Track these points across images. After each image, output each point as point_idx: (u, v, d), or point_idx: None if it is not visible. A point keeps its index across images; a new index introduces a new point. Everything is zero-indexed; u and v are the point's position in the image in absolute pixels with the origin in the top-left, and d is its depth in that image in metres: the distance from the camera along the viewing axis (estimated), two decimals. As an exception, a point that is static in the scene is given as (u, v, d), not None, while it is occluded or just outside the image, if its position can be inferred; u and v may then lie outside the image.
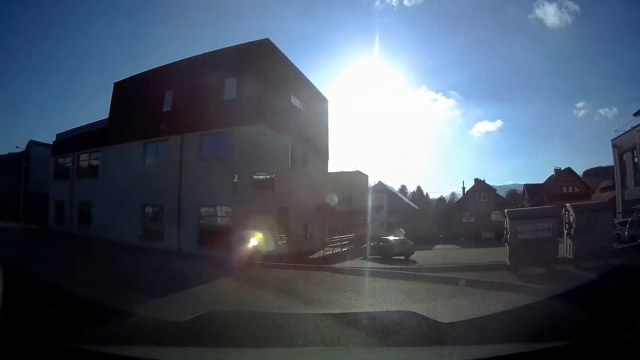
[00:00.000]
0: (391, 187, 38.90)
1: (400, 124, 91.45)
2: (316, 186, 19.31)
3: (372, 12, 74.80)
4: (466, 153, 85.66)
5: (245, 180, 13.79)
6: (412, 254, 15.18)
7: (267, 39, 16.01)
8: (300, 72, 19.16)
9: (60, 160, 23.77)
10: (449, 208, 44.65)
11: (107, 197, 18.04)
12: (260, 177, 13.46)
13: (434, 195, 63.13)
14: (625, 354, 1.72)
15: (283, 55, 17.41)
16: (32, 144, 37.42)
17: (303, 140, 18.25)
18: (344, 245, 16.55)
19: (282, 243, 14.73)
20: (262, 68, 15.25)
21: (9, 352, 1.53)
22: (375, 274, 9.52)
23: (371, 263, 13.30)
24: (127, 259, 10.70)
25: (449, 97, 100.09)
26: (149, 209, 17.07)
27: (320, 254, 15.12)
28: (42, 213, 24.19)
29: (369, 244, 15.97)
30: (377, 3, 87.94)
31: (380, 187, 35.38)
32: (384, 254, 14.57)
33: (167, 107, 17.00)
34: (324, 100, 22.57)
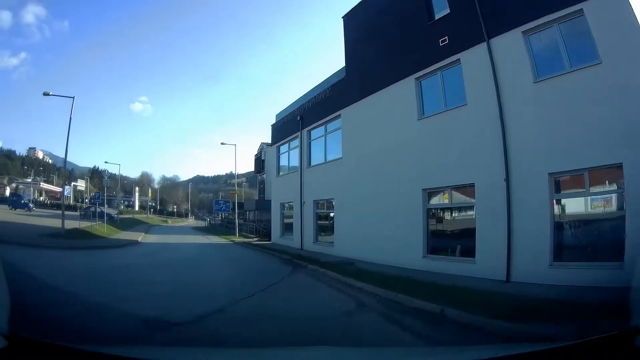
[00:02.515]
0: None
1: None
2: None
3: None
4: None
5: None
6: None
7: None
8: None
9: (284, 147, 25.16)
10: None
11: (358, 188, 16.63)
12: None
13: None
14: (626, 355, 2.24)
15: None
16: (265, 146, 45.46)
17: None
18: None
19: None
20: None
21: (9, 352, 2.09)
22: None
23: None
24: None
25: None
26: (438, 200, 13.47)
27: None
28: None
29: None
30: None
31: None
32: None
33: (440, 11, 13.62)
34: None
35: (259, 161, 50.26)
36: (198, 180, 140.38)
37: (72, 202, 71.04)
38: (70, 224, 23.36)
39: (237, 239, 29.95)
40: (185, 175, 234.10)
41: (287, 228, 24.47)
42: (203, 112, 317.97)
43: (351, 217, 16.81)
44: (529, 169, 10.29)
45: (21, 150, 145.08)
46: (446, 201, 13.10)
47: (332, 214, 19.15)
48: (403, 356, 3.67)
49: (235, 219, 37.28)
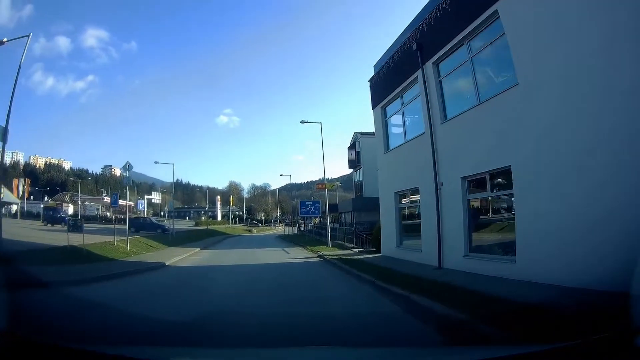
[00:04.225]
0: None
1: None
2: None
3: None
4: None
5: None
6: None
7: None
8: None
9: (393, 106, 18.51)
10: None
11: (571, 138, 8.89)
12: None
13: None
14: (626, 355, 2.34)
15: None
16: (360, 136, 44.95)
17: None
18: None
19: None
20: None
21: (8, 352, 2.21)
22: None
23: None
24: None
25: None
26: None
27: None
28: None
29: None
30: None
31: None
32: None
33: None
34: None
35: (354, 154, 47.14)
36: (290, 188, 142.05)
37: (145, 215, 71.21)
38: (86, 240, 18.38)
39: (329, 251, 22.70)
40: (276, 183, 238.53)
41: (409, 231, 17.04)
42: (292, 117, 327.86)
43: (560, 199, 8.83)
44: None
45: (96, 169, 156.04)
46: None
47: (505, 198, 11.54)
48: (403, 356, 3.83)
49: (326, 223, 30.17)
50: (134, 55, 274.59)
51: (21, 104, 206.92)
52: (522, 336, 5.13)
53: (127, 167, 21.94)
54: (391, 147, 18.49)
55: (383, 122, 18.99)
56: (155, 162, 42.11)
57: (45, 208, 54.34)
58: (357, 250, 22.80)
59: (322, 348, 4.37)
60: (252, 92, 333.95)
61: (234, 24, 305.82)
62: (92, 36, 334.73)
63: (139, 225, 37.45)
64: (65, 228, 36.63)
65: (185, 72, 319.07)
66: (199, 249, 26.21)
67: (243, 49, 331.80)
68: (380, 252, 18.93)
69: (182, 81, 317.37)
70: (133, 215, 54.94)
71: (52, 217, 43.77)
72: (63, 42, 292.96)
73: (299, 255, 22.99)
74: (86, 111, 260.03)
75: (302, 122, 28.24)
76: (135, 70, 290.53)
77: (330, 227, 28.24)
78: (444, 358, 3.73)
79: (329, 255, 20.17)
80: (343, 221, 46.64)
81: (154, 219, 48.24)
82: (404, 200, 17.75)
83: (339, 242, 28.44)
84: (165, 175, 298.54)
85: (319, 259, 20.08)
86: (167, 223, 70.95)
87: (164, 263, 17.32)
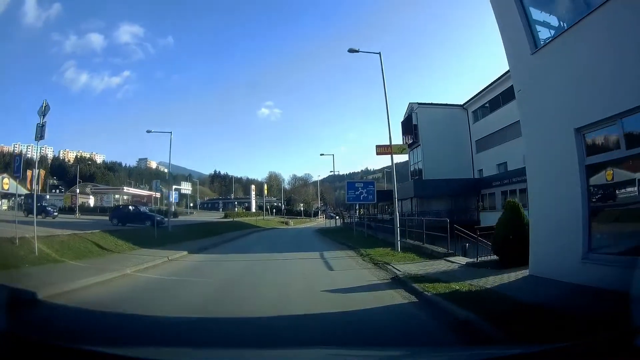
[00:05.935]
0: None
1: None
2: None
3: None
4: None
5: None
6: None
7: None
8: None
9: None
10: None
11: None
12: None
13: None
14: (626, 355, 2.23)
15: None
16: (417, 106, 41.17)
17: None
18: None
19: None
20: None
21: (8, 352, 2.16)
22: None
23: None
24: None
25: None
26: None
27: None
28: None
29: None
30: None
31: None
32: None
33: None
34: None
35: (409, 128, 41.41)
36: (332, 179, 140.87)
37: (175, 207, 66.16)
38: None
39: (406, 263, 12.87)
40: (318, 172, 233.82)
41: (618, 224, 7.82)
42: (334, 107, 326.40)
43: None
44: None
45: (131, 162, 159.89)
46: None
47: None
48: (403, 356, 3.78)
49: (394, 212, 18.64)
50: (171, 50, 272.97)
51: (53, 101, 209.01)
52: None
53: (42, 110, 12.23)
54: (543, 40, 8.80)
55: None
56: (148, 131, 32.82)
57: (26, 196, 43.37)
58: (460, 260, 12.78)
59: (324, 348, 4.35)
60: (293, 84, 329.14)
61: (279, 22, 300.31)
62: (127, 32, 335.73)
63: (123, 217, 29.88)
64: (47, 219, 29.63)
65: (226, 67, 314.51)
66: (185, 252, 17.40)
67: (286, 45, 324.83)
68: (520, 267, 9.54)
69: (222, 75, 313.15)
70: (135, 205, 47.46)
71: (31, 206, 34.97)
72: (96, 39, 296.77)
73: (350, 274, 12.31)
74: (123, 106, 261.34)
75: (351, 50, 18.09)
76: (173, 65, 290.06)
77: (398, 219, 17.90)
78: (444, 358, 3.62)
79: (417, 278, 9.76)
80: (400, 211, 37.93)
81: (143, 208, 38.57)
82: (599, 152, 7.77)
83: (409, 241, 18.10)
84: (203, 166, 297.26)
85: (399, 292, 8.93)
86: (196, 214, 63.54)
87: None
